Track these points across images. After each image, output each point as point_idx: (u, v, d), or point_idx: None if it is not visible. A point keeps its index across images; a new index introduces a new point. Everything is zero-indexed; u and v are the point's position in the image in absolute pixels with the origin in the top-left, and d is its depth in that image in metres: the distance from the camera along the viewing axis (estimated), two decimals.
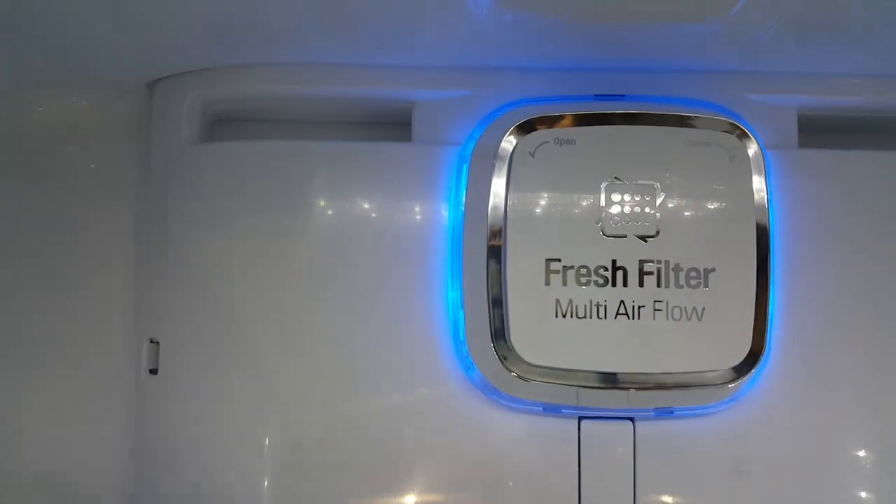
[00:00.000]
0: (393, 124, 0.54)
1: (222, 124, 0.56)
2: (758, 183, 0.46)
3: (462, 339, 0.47)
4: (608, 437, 0.47)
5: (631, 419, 0.47)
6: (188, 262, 0.50)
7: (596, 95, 0.51)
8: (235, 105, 0.54)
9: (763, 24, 0.46)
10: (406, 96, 0.52)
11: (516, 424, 0.47)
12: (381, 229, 0.50)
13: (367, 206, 0.50)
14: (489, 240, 0.46)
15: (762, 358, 0.45)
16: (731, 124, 0.47)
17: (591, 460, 0.47)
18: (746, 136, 0.46)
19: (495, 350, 0.45)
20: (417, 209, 0.50)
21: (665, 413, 0.47)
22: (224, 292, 0.50)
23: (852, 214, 0.50)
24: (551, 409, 0.47)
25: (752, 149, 0.46)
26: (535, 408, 0.47)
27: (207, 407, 0.49)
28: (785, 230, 0.48)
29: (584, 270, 0.45)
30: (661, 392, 0.45)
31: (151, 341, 0.51)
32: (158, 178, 0.52)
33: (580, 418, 0.47)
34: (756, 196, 0.46)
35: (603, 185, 0.46)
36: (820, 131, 0.55)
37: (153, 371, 0.50)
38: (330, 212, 0.50)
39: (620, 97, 0.51)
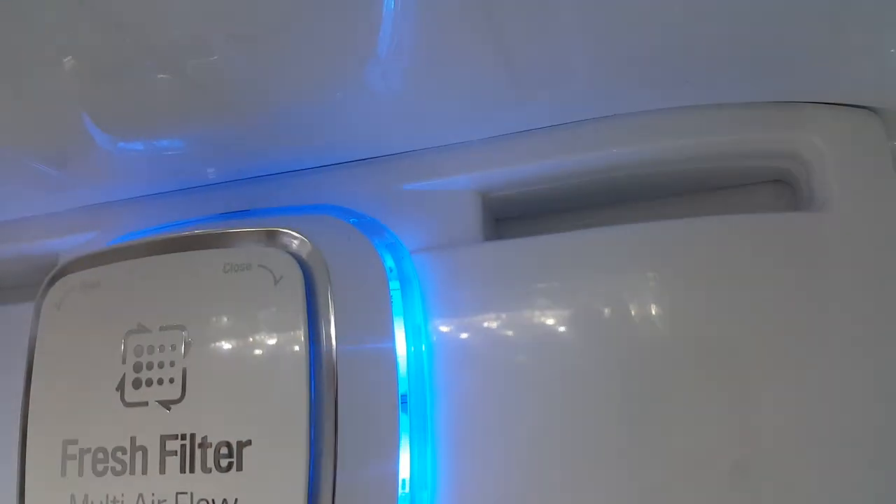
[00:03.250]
0: None
1: None
2: (323, 308, 0.33)
3: None
4: None
5: None
6: None
7: (221, 214, 0.41)
8: None
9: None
10: (50, 249, 0.46)
11: None
12: None
13: None
14: (21, 423, 0.37)
15: None
16: (280, 233, 0.34)
17: None
18: (304, 245, 0.33)
19: None
20: None
21: None
22: None
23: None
24: None
25: (316, 264, 0.33)
26: None
27: None
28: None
29: (101, 455, 0.34)
30: None
31: None
32: None
33: None
34: (319, 329, 0.33)
35: (125, 336, 0.35)
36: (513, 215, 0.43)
37: None
38: None
39: (244, 213, 0.41)
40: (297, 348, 0.32)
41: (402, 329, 0.36)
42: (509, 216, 0.45)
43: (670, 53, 0.34)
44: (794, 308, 0.35)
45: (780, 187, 0.42)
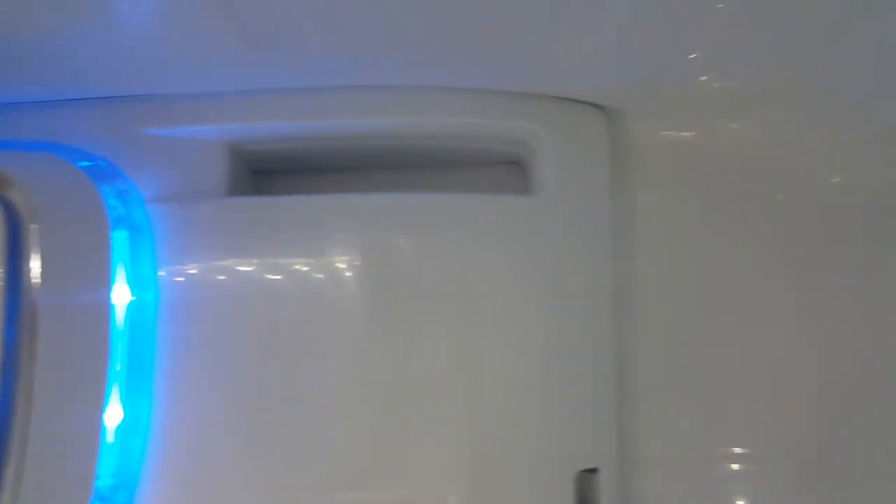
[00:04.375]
0: None
1: None
2: (26, 253, 0.32)
3: None
4: None
5: None
6: None
7: None
8: None
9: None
10: None
11: None
12: None
13: None
14: None
15: None
16: None
17: None
18: (9, 185, 0.32)
19: None
20: None
21: None
22: None
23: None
24: None
25: (22, 206, 0.32)
26: None
27: None
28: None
29: None
30: None
31: None
32: None
33: None
34: (20, 274, 0.31)
35: None
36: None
37: None
38: None
39: None
40: None
41: (125, 278, 0.36)
42: (272, 170, 0.45)
43: (402, 34, 0.35)
44: (504, 277, 0.40)
45: (519, 169, 0.45)
